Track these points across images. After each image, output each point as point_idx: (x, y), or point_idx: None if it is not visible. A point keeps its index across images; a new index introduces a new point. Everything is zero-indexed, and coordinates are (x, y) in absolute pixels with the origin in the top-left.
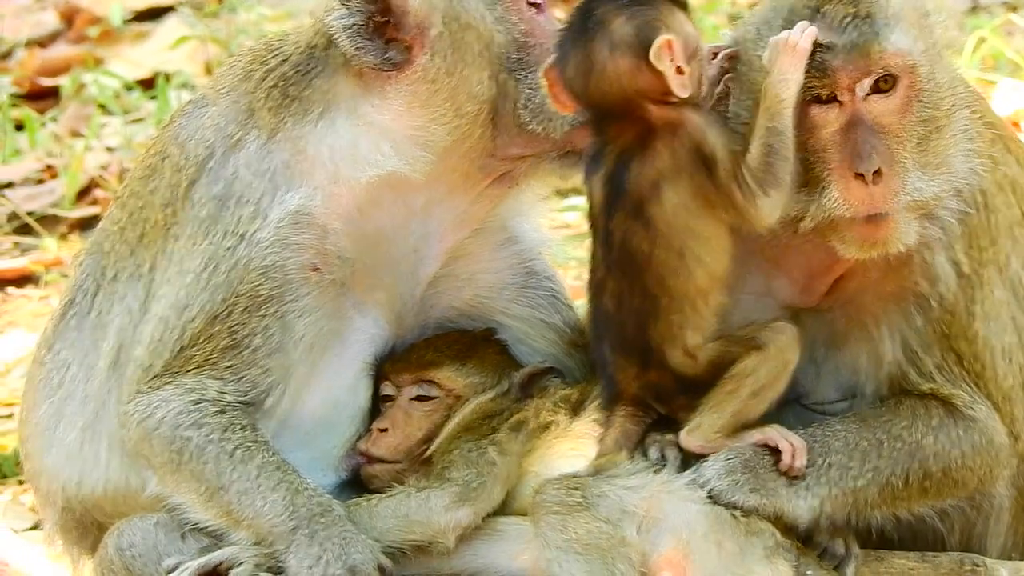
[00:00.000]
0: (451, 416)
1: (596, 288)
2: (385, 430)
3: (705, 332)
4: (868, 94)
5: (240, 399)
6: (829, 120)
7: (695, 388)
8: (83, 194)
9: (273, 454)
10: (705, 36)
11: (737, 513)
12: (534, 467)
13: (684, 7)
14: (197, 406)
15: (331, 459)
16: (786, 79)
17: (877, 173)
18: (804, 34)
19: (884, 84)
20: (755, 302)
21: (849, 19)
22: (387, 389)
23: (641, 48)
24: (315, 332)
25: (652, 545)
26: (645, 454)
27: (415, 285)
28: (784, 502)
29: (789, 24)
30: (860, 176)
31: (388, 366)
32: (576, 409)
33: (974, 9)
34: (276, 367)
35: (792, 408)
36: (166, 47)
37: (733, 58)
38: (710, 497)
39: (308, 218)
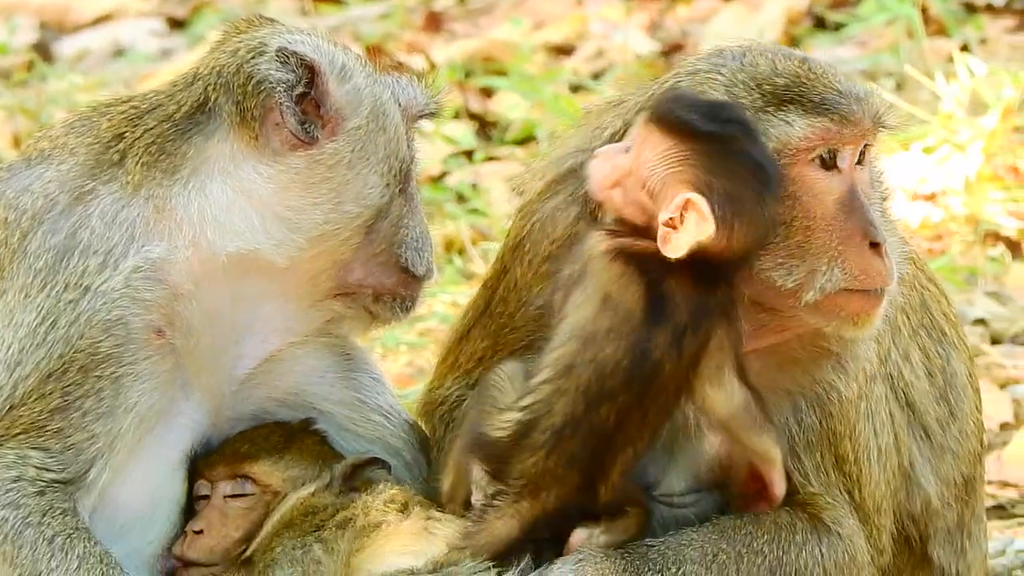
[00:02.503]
0: (270, 513)
1: (575, 382)
2: (200, 531)
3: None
4: (857, 163)
5: (62, 476)
6: (832, 188)
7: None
8: None
9: (95, 544)
10: (546, 107)
11: None
12: (365, 566)
13: None
14: (16, 484)
15: (145, 557)
16: None
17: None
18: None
19: (862, 154)
20: None
21: (846, 79)
22: (202, 488)
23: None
24: (146, 404)
25: None
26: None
27: (230, 380)
28: None
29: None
30: (876, 247)
31: (202, 462)
32: (406, 507)
33: None
34: (103, 434)
35: None
36: None
37: None
38: None
39: (163, 275)
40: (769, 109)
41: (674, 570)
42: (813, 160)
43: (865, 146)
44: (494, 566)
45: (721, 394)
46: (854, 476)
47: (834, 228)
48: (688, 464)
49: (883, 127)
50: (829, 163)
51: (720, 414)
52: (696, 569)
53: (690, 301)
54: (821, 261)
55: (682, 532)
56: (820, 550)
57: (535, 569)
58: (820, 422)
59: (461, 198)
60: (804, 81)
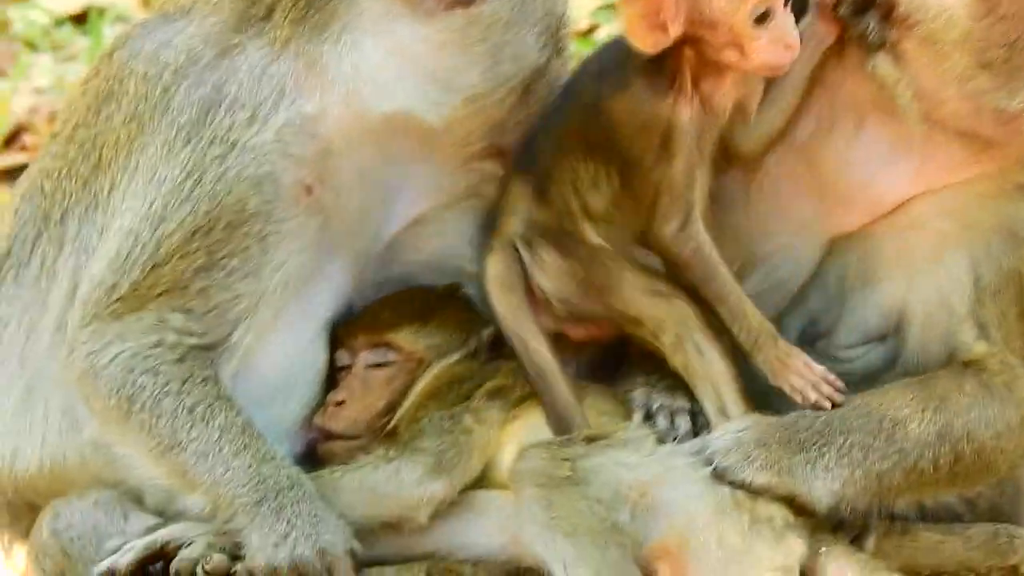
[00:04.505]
0: (414, 383)
1: None
2: (342, 402)
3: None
4: None
5: (203, 340)
6: None
7: None
8: (10, 140)
9: (237, 414)
10: None
11: (742, 496)
12: (516, 435)
13: None
14: (155, 350)
15: (285, 428)
16: None
17: None
18: None
19: None
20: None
21: None
22: (342, 358)
23: None
24: (292, 265)
25: (647, 533)
26: (650, 420)
27: (376, 242)
28: (800, 483)
29: None
30: None
31: (343, 330)
32: None
33: None
34: (248, 294)
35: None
36: None
37: None
38: (715, 474)
39: (315, 131)
40: None
41: (841, 440)
42: None
43: None
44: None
45: None
46: None
47: None
48: (859, 313)
49: None
50: None
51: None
52: (862, 438)
53: None
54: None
55: (848, 398)
56: (992, 410)
57: (694, 436)
58: (1011, 264)
59: None
60: None
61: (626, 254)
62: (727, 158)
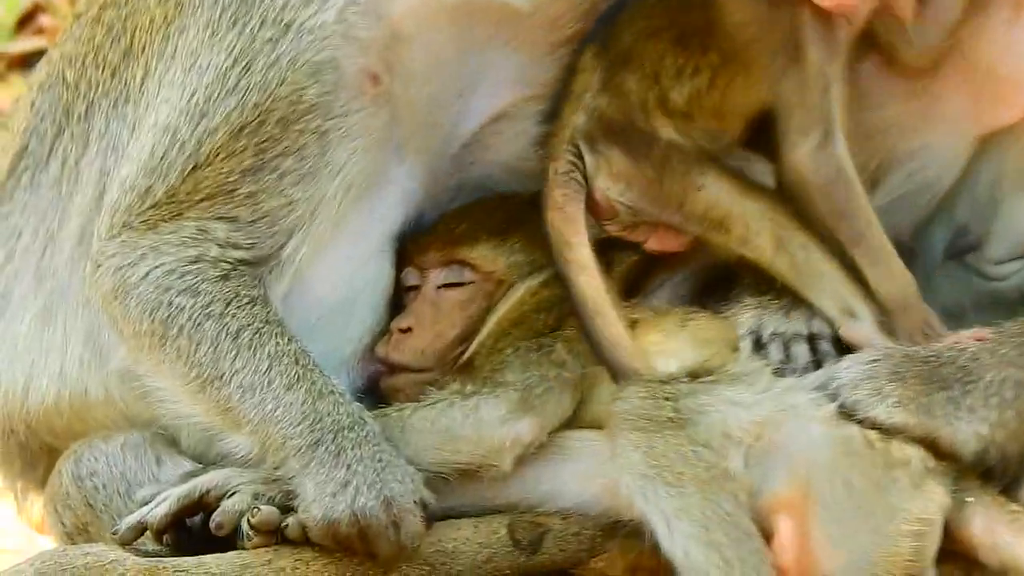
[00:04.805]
0: (494, 307)
1: None
2: (408, 329)
3: None
4: None
5: (251, 254)
6: None
7: None
8: (25, 22)
9: (289, 341)
10: None
11: (873, 436)
12: None
13: None
14: (195, 266)
15: (343, 358)
16: None
17: None
18: None
19: None
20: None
21: None
22: (410, 277)
23: None
24: (355, 167)
25: (763, 482)
26: (761, 350)
27: (450, 141)
28: (942, 424)
29: None
30: None
31: (412, 245)
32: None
33: None
34: (303, 201)
35: (950, 270)
36: None
37: None
38: (842, 412)
39: (383, 10)
40: None
41: (990, 376)
42: None
43: None
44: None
45: None
46: None
47: None
48: (1013, 223)
49: None
50: None
51: None
52: (1015, 374)
53: None
54: None
55: (1000, 326)
56: None
57: (815, 368)
58: None
59: None
60: None
61: (705, 154)
62: (891, 63)
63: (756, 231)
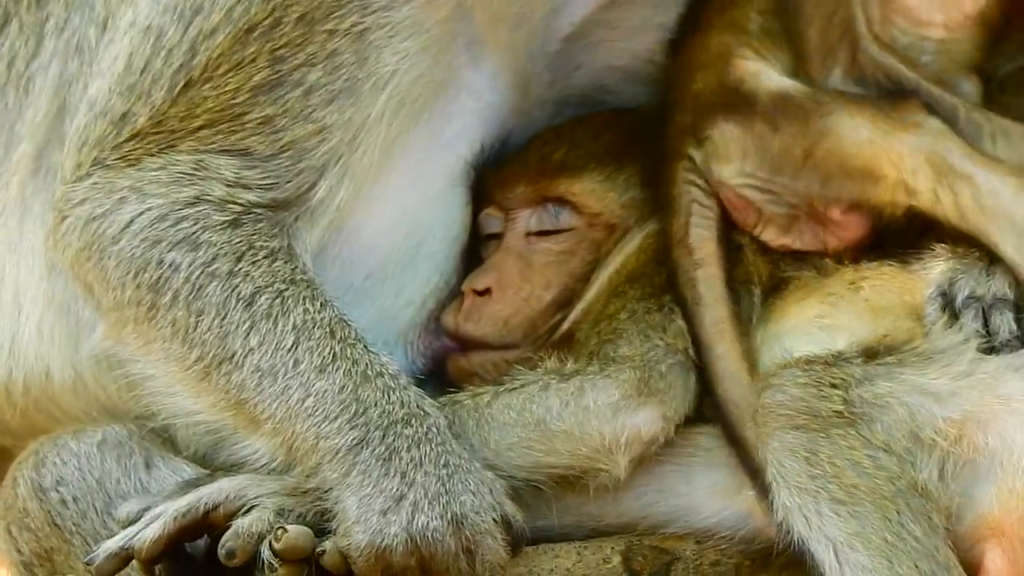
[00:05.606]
0: (602, 261)
1: None
2: (488, 291)
3: None
4: None
5: (270, 196)
6: None
7: None
8: None
9: (323, 307)
10: None
11: None
12: (773, 341)
13: None
14: (194, 209)
15: (399, 328)
16: None
17: None
18: None
19: None
20: None
21: None
22: (490, 222)
23: None
24: (408, 76)
25: (965, 499)
26: (955, 318)
27: (545, 37)
28: None
29: None
30: None
31: (492, 178)
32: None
33: None
34: (338, 126)
35: None
36: None
37: None
38: None
39: None
40: None
41: None
42: None
43: None
44: None
45: None
46: None
47: None
48: None
49: None
50: None
51: None
52: None
53: None
54: None
55: None
56: None
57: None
58: None
59: None
60: None
61: (829, 91)
62: None
63: (913, 174)
